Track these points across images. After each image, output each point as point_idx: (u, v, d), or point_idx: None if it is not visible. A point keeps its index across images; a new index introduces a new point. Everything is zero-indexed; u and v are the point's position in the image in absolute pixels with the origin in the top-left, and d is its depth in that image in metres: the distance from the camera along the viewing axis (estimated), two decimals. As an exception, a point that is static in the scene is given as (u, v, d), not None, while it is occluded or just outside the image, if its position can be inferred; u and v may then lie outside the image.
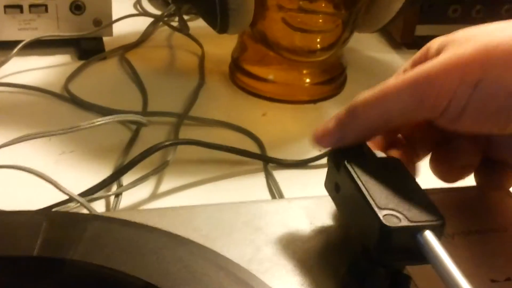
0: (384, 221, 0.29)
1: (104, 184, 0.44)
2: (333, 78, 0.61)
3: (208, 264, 0.30)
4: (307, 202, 0.37)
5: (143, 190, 0.47)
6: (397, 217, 0.29)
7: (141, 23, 0.71)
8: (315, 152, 0.51)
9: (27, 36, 0.63)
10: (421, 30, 0.71)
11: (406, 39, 0.71)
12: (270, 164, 0.51)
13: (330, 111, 0.60)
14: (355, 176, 0.31)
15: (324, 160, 0.48)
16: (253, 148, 0.53)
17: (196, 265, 0.29)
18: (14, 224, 0.31)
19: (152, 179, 0.48)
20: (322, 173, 0.35)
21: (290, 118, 0.59)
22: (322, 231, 0.35)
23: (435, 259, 0.28)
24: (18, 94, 0.58)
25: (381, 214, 0.29)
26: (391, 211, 0.29)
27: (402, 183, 0.31)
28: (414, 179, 0.32)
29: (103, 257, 0.29)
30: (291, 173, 0.51)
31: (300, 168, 0.51)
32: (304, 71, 0.60)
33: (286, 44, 0.56)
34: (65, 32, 0.64)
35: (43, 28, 0.64)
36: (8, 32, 0.63)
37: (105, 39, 0.66)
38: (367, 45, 0.72)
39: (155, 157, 0.48)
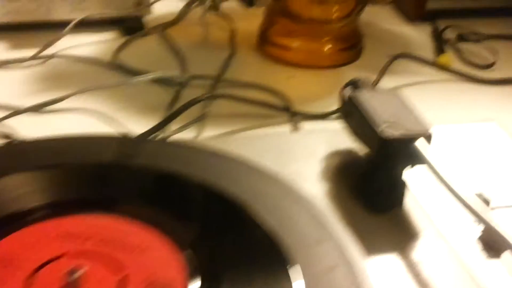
0: (382, 133, 0.36)
1: (152, 131, 0.52)
2: (351, 46, 0.69)
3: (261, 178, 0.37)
4: (328, 132, 0.45)
5: (185, 138, 0.55)
6: (393, 130, 0.36)
7: (178, 4, 0.79)
8: (334, 107, 0.58)
9: (77, 15, 0.71)
10: (432, 3, 0.77)
11: (418, 12, 0.78)
12: (295, 117, 0.58)
13: (349, 75, 0.67)
14: (359, 103, 0.39)
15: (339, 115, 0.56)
16: (280, 104, 0.60)
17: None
18: (89, 141, 0.39)
19: (192, 128, 0.55)
20: (335, 134, 0.42)
21: (312, 81, 0.66)
22: (338, 152, 0.43)
23: (426, 161, 0.35)
24: (73, 65, 0.67)
25: (380, 128, 0.36)
26: (388, 125, 0.37)
27: (397, 106, 0.39)
28: (407, 103, 0.39)
29: (166, 162, 0.36)
30: (313, 124, 0.58)
31: (321, 119, 0.58)
32: (325, 40, 0.67)
33: (307, 15, 0.64)
34: (110, 12, 0.72)
35: (91, 8, 0.72)
36: (61, 12, 0.71)
37: (145, 17, 0.74)
38: (382, 19, 0.79)
39: (195, 110, 0.56)
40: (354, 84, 0.41)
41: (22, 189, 0.34)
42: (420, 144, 0.36)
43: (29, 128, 0.43)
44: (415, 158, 0.36)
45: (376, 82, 0.61)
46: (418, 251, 0.35)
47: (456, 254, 0.35)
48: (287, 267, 0.31)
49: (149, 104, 0.59)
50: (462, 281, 0.34)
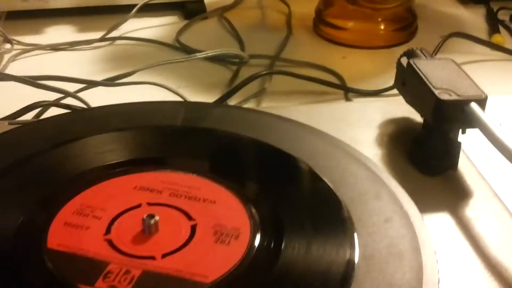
0: (439, 96, 0.38)
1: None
2: (405, 26, 0.70)
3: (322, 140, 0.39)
4: (383, 103, 0.47)
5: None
6: (449, 94, 0.38)
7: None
8: (388, 85, 0.60)
9: (140, 0, 0.74)
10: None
11: (473, -6, 0.78)
12: (350, 93, 0.60)
13: (402, 55, 0.69)
14: (417, 69, 0.40)
15: (393, 91, 0.57)
16: (335, 82, 0.62)
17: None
18: (160, 107, 0.41)
19: (250, 103, 0.58)
20: (389, 104, 0.44)
21: (366, 60, 0.68)
22: (393, 120, 0.44)
23: (481, 125, 0.37)
24: (137, 46, 0.70)
25: (436, 91, 0.38)
26: (445, 90, 0.38)
27: (453, 73, 0.40)
28: (462, 70, 0.41)
29: (228, 126, 0.39)
30: (367, 100, 0.60)
31: (374, 96, 0.60)
32: (379, 20, 0.69)
33: (363, -6, 0.66)
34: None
35: (154, -7, 0.75)
36: (126, -3, 0.75)
37: (206, 1, 0.77)
38: (436, 1, 0.80)
39: (253, 86, 0.58)
40: (411, 53, 0.43)
41: (105, 147, 0.37)
42: (475, 107, 0.37)
43: (103, 99, 0.46)
44: (470, 121, 0.37)
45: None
46: (472, 210, 0.37)
47: (508, 213, 0.37)
48: (346, 218, 0.33)
49: (210, 81, 0.62)
50: (514, 237, 0.35)
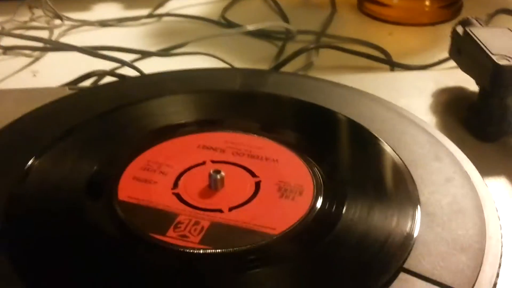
0: (497, 61, 0.38)
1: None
2: (450, 3, 0.70)
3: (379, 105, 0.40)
4: (436, 73, 0.47)
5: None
6: (507, 59, 0.38)
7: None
8: (434, 61, 0.60)
9: (186, -22, 0.75)
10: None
11: (518, -28, 0.78)
12: (396, 68, 0.60)
13: (448, 33, 0.69)
14: (474, 36, 0.41)
15: (440, 66, 0.57)
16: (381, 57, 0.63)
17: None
18: (217, 74, 0.42)
19: (300, 77, 0.58)
20: (440, 75, 0.44)
21: (412, 37, 0.68)
22: (447, 89, 0.45)
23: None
24: (184, 23, 0.71)
25: (494, 57, 0.38)
26: (502, 56, 0.39)
27: (509, 40, 0.40)
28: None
29: (285, 91, 0.40)
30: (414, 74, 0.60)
31: (420, 70, 0.60)
32: (425, -4, 0.69)
33: (409, -28, 0.66)
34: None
35: (199, -29, 0.76)
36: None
37: (250, -21, 0.78)
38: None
39: (301, 61, 0.59)
40: (466, 22, 0.43)
41: (169, 109, 0.38)
42: (533, 75, 0.38)
43: (157, 69, 0.47)
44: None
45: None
46: (529, 174, 0.37)
47: None
48: (407, 178, 0.34)
49: (257, 56, 0.63)
50: None
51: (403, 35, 0.68)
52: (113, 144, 0.36)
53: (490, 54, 0.39)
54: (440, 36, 0.69)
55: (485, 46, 0.39)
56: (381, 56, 0.63)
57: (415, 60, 0.62)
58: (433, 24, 0.69)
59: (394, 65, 0.60)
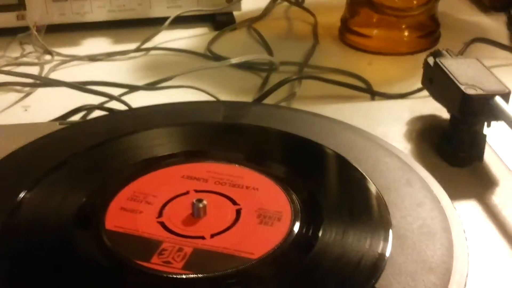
0: (465, 91, 0.40)
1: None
2: (428, 33, 0.73)
3: (355, 134, 0.42)
4: (411, 102, 0.49)
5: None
6: (474, 89, 0.41)
7: (264, 0, 0.85)
8: (413, 89, 0.62)
9: (173, 12, 0.78)
10: (507, -6, 0.80)
11: (493, 2, 0.81)
12: (376, 97, 0.63)
13: (426, 62, 0.72)
14: (443, 67, 0.43)
15: (418, 94, 0.60)
16: (362, 86, 0.65)
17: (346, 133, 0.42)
18: (201, 107, 0.44)
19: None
20: (416, 103, 0.46)
21: (391, 66, 0.70)
22: (421, 117, 0.47)
23: (505, 117, 0.39)
24: (171, 56, 0.73)
25: (463, 87, 0.41)
26: (470, 86, 0.41)
27: (478, 70, 0.43)
28: (487, 68, 0.43)
29: (266, 122, 0.42)
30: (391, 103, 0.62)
31: (399, 99, 0.62)
32: (403, 27, 0.71)
33: (388, 4, 0.68)
34: (203, 8, 0.79)
35: (186, 5, 0.78)
36: (159, 9, 0.78)
37: (235, 13, 0.80)
38: (458, 9, 0.83)
39: (284, 91, 0.61)
40: (437, 53, 0.45)
41: (154, 141, 0.40)
42: (499, 100, 0.40)
43: (144, 103, 0.49)
44: (495, 114, 0.40)
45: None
46: (498, 197, 0.39)
47: (533, 200, 0.39)
48: (380, 203, 0.36)
49: (241, 87, 0.65)
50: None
51: (383, 64, 0.71)
52: (102, 176, 0.37)
53: (458, 84, 0.41)
54: (418, 65, 0.70)
55: (454, 76, 0.41)
56: (362, 85, 0.65)
57: (395, 88, 0.64)
58: (412, 53, 0.72)
59: (374, 94, 0.63)
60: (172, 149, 0.40)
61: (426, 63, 0.45)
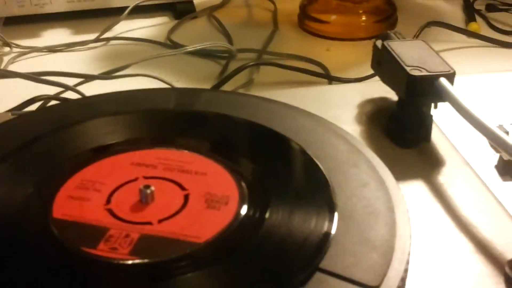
0: (410, 72, 0.41)
1: (205, 96, 0.58)
2: (385, 18, 0.73)
3: (305, 118, 0.43)
4: (362, 85, 0.50)
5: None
6: (420, 70, 0.41)
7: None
8: (369, 73, 0.63)
9: (132, 2, 0.77)
10: (463, -22, 0.81)
11: (450, -14, 0.82)
12: (333, 82, 0.63)
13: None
14: (390, 49, 0.43)
15: (373, 78, 0.60)
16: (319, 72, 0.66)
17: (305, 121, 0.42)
18: (153, 94, 0.44)
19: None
20: (367, 87, 0.47)
21: (349, 51, 0.71)
22: (371, 100, 0.48)
23: (450, 98, 0.40)
24: (130, 46, 0.73)
25: (408, 68, 0.41)
26: (415, 67, 0.41)
27: (424, 52, 0.43)
28: (433, 50, 0.44)
29: (217, 108, 0.42)
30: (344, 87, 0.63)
31: (357, 82, 0.63)
32: (360, 12, 0.72)
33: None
34: (162, -3, 0.79)
35: (145, -5, 0.78)
36: (118, -1, 0.78)
37: (195, 1, 0.80)
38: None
39: (242, 78, 0.61)
40: (386, 36, 0.46)
41: (103, 130, 0.40)
42: (444, 81, 0.40)
43: (100, 92, 0.49)
44: (440, 95, 0.40)
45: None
46: (444, 177, 0.40)
47: (478, 178, 0.40)
48: (326, 185, 0.36)
49: (200, 75, 0.65)
50: (482, 200, 0.38)
51: (341, 50, 0.71)
52: (49, 166, 0.37)
53: (404, 66, 0.41)
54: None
55: (400, 58, 0.42)
56: (320, 71, 0.66)
57: (352, 73, 0.65)
58: (370, 38, 0.72)
59: (331, 79, 0.63)
60: (121, 137, 0.40)
61: (375, 46, 0.46)
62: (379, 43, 0.45)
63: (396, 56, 0.42)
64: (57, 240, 0.32)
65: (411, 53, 0.43)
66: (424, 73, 0.41)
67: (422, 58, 0.42)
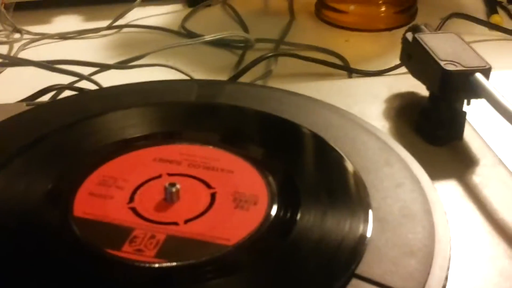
0: (444, 67, 0.39)
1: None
2: (405, 8, 0.71)
3: (332, 113, 0.41)
4: (389, 79, 0.48)
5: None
6: (454, 65, 0.39)
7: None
8: (390, 66, 0.61)
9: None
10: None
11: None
12: (354, 75, 0.61)
13: (404, 37, 0.71)
14: (422, 43, 0.42)
15: (396, 71, 0.59)
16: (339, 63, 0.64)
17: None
18: (175, 85, 0.43)
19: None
20: (393, 80, 0.45)
21: (369, 43, 0.69)
22: (399, 94, 0.46)
23: (486, 94, 0.38)
24: (144, 34, 0.71)
25: (442, 63, 0.39)
26: (449, 62, 0.40)
27: (457, 45, 0.41)
28: (466, 44, 0.42)
29: (241, 101, 0.41)
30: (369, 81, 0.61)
31: (376, 76, 0.61)
32: (380, 2, 0.70)
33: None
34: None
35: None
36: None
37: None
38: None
39: (260, 69, 0.60)
40: (416, 28, 0.44)
41: (124, 123, 0.39)
42: (479, 77, 0.39)
43: (115, 82, 0.47)
44: (475, 91, 0.39)
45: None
46: (478, 176, 0.38)
47: (514, 178, 0.38)
48: (359, 185, 0.35)
49: (217, 65, 0.63)
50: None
51: (360, 41, 0.69)
52: (69, 160, 0.36)
53: (437, 59, 0.40)
54: (396, 41, 0.69)
55: (433, 52, 0.40)
56: (339, 62, 0.64)
57: (372, 65, 0.63)
58: (389, 29, 0.71)
59: (351, 71, 0.61)
60: (143, 131, 0.38)
61: (404, 39, 0.44)
62: (409, 35, 0.44)
63: (429, 50, 0.41)
64: (79, 241, 0.31)
65: (444, 47, 0.41)
66: (459, 68, 0.39)
67: (456, 53, 0.40)
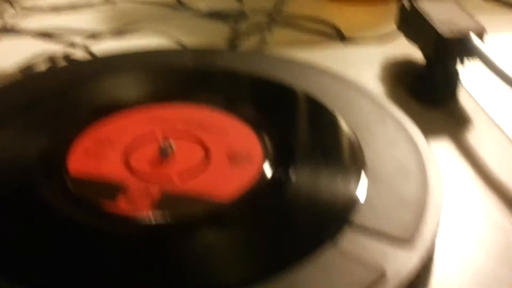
0: (440, 32, 0.39)
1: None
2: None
3: (327, 77, 0.41)
4: (385, 44, 0.48)
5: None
6: (450, 30, 0.39)
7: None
8: (385, 36, 0.61)
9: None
10: None
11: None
12: (349, 44, 0.61)
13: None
14: (419, 9, 0.42)
15: (391, 40, 0.58)
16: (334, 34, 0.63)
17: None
18: (169, 54, 0.43)
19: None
20: (389, 47, 0.45)
21: (364, 13, 0.69)
22: (395, 58, 0.46)
23: (480, 54, 0.38)
24: (138, 6, 0.71)
25: (438, 28, 0.39)
26: (446, 25, 0.40)
27: (454, 11, 0.42)
28: (463, 9, 0.42)
29: (236, 68, 0.41)
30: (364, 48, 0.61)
31: (371, 44, 0.61)
32: (376, -26, 0.70)
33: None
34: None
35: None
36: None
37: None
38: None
39: (255, 39, 0.59)
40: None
41: (125, 86, 0.39)
42: (474, 38, 0.39)
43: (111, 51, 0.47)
44: (470, 52, 0.39)
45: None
46: (472, 135, 0.38)
47: (507, 138, 0.38)
48: (353, 142, 0.35)
49: (211, 37, 0.63)
50: (513, 161, 0.37)
51: (356, 12, 0.69)
52: (63, 122, 0.36)
53: (433, 25, 0.40)
54: (391, 11, 0.70)
55: (430, 18, 0.40)
56: (334, 33, 0.64)
57: (367, 35, 0.63)
58: (386, 0, 0.70)
59: (346, 41, 0.61)
60: (137, 94, 0.38)
61: (402, 7, 0.44)
62: (406, 3, 0.44)
63: (425, 16, 0.41)
64: (75, 198, 0.31)
65: (441, 14, 0.41)
66: (455, 30, 0.39)
67: (452, 17, 0.41)
